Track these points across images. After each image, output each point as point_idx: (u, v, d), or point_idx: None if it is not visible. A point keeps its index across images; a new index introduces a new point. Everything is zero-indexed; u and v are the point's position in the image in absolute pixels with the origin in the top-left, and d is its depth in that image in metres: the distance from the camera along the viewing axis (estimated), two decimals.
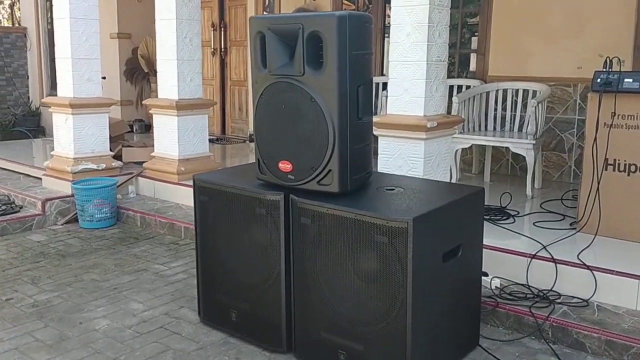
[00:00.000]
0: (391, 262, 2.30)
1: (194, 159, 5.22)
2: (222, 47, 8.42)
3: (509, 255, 3.31)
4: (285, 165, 2.62)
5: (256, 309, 2.80)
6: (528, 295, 3.05)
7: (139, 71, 8.71)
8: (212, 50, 8.46)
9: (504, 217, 3.95)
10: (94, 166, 5.30)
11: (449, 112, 5.19)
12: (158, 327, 3.02)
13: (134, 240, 4.46)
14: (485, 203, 4.27)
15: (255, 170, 2.77)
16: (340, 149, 2.49)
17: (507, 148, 5.10)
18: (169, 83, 5.17)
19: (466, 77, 5.93)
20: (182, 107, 5.10)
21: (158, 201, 5.15)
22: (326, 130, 2.47)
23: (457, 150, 4.92)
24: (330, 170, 2.51)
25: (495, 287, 3.16)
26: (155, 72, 8.52)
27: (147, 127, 8.68)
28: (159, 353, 2.76)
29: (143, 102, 5.74)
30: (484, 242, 3.27)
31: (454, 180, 4.82)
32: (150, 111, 5.37)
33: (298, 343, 2.68)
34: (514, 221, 3.91)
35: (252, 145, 7.69)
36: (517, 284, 3.20)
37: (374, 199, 2.57)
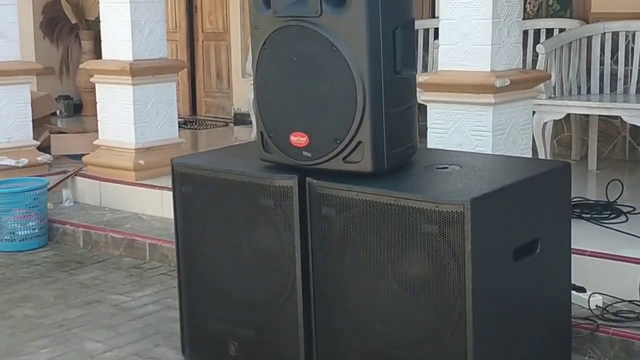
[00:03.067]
0: (444, 260, 2.83)
1: (158, 147, 5.82)
2: None
3: (617, 264, 3.85)
4: (298, 139, 3.16)
5: (264, 337, 3.33)
6: None
7: (62, 23, 9.32)
8: None
9: (612, 215, 4.48)
10: (12, 162, 5.90)
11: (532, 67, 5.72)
12: None
13: (78, 264, 5.05)
14: (587, 197, 4.82)
15: (258, 148, 3.33)
16: (373, 113, 3.03)
17: (620, 119, 5.61)
18: (118, 37, 5.77)
19: (557, 16, 6.42)
20: (140, 71, 5.70)
21: (107, 211, 5.74)
22: (353, 89, 3.01)
23: (545, 124, 5.45)
24: (360, 143, 3.04)
25: (596, 306, 3.69)
26: (88, 23, 9.16)
27: (77, 108, 9.30)
28: None
29: (81, 66, 6.33)
30: (582, 248, 3.82)
31: None
32: (92, 79, 5.96)
33: None
34: (626, 220, 4.44)
35: (238, 129, 8.27)
36: (625, 301, 3.73)
37: (420, 179, 3.11)
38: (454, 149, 3.89)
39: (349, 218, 3.04)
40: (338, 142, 3.07)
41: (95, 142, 5.97)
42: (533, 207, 3.08)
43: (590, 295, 3.72)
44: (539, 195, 3.11)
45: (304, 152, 3.16)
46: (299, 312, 3.22)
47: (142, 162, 5.69)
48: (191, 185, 3.46)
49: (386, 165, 3.09)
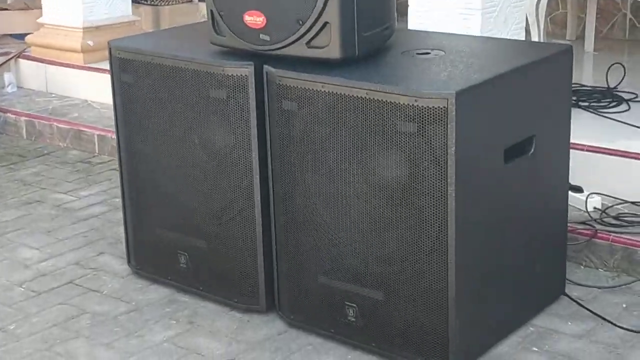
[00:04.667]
0: (422, 164, 2.49)
1: (109, 26, 5.39)
2: None
3: (618, 160, 3.52)
4: (254, 19, 2.77)
5: (218, 249, 3.02)
6: None
7: None
8: None
9: (613, 103, 4.13)
10: None
11: None
12: (65, 282, 3.28)
13: (19, 158, 4.69)
14: (583, 82, 4.48)
15: (208, 29, 2.93)
16: None
17: None
18: None
19: None
20: None
21: (54, 97, 5.36)
22: None
23: (538, 1, 5.03)
24: (326, 24, 2.66)
25: (594, 207, 3.39)
26: None
27: None
28: (68, 319, 3.01)
29: None
30: (578, 142, 3.51)
31: None
32: None
33: (284, 296, 2.92)
34: (629, 108, 4.10)
35: (205, 6, 7.78)
36: (628, 202, 3.43)
37: (397, 68, 2.74)
38: (438, 31, 3.50)
39: (313, 114, 2.68)
40: (300, 23, 2.69)
41: (38, 20, 5.55)
42: (528, 99, 2.73)
43: (588, 195, 3.42)
44: (536, 85, 2.75)
45: (261, 35, 2.79)
46: (257, 222, 2.91)
47: (90, 43, 5.31)
48: (132, 73, 3.09)
49: (357, 51, 2.72)
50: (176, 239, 3.13)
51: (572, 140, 3.48)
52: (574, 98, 4.13)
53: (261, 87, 2.78)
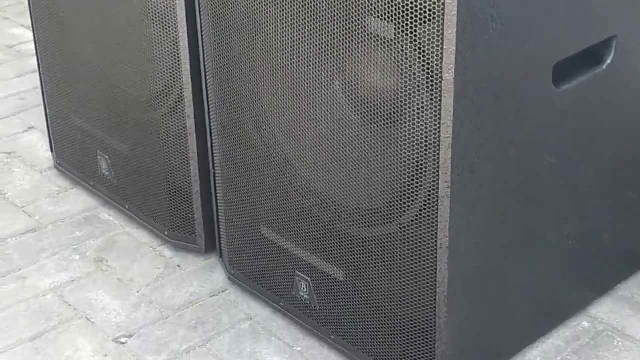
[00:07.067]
0: (407, 87, 1.56)
1: None
2: None
3: None
4: None
5: (142, 158, 2.23)
6: None
7: None
8: None
9: None
10: None
11: None
12: None
13: None
14: None
15: None
16: None
17: None
18: None
19: None
20: None
21: None
22: None
23: None
24: None
25: None
26: None
27: None
28: None
29: None
30: None
31: None
32: None
33: (225, 242, 2.11)
34: None
35: None
36: None
37: None
38: None
39: None
40: None
41: None
42: None
43: None
44: None
45: None
46: (189, 130, 2.08)
47: None
48: None
49: None
50: (94, 136, 2.33)
51: None
52: None
53: None
